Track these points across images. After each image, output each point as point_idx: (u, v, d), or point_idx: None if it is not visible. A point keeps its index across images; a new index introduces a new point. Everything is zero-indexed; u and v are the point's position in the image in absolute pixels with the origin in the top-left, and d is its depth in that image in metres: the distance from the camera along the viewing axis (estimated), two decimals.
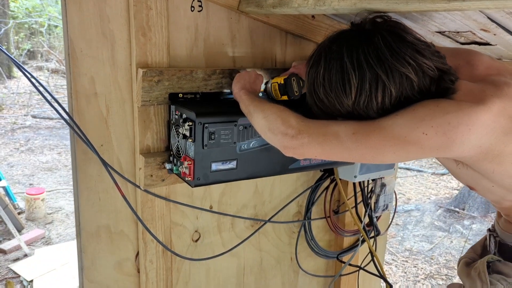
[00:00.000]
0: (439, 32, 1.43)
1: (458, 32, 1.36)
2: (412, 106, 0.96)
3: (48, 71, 11.49)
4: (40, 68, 11.77)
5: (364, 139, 0.96)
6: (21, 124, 8.53)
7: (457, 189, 5.92)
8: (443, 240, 4.65)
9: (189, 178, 1.25)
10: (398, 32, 0.98)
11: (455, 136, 0.92)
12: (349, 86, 0.97)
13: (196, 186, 1.25)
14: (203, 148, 1.22)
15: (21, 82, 10.55)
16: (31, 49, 12.75)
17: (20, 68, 1.19)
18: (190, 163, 1.23)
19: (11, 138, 7.72)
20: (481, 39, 1.38)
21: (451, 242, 4.63)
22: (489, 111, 0.93)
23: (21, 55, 11.99)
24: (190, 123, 1.21)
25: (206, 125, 1.21)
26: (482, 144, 0.94)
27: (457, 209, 5.30)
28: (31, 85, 1.25)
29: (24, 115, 9.05)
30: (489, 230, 1.25)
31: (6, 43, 11.44)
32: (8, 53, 1.25)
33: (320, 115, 1.08)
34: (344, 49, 0.98)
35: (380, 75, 0.94)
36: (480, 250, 1.27)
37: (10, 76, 11.07)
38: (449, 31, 1.39)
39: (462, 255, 1.31)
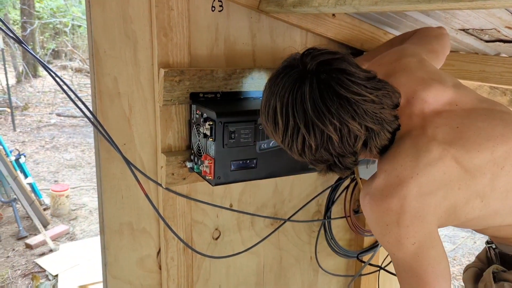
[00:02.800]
0: (463, 30, 1.40)
1: (482, 29, 1.34)
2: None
3: (72, 70, 11.72)
4: (64, 67, 12.01)
5: None
6: (46, 122, 8.73)
7: None
8: (466, 241, 4.57)
9: (210, 177, 1.26)
10: (332, 85, 0.91)
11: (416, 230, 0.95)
12: (277, 127, 0.98)
13: (216, 184, 1.27)
14: (223, 147, 1.23)
15: (46, 81, 10.79)
16: (56, 49, 13.02)
17: (47, 69, 1.22)
18: (210, 162, 1.25)
19: (36, 136, 7.91)
20: (506, 36, 1.35)
21: (474, 243, 4.55)
22: (417, 187, 0.95)
23: (46, 54, 12.26)
24: (211, 123, 1.22)
25: (227, 124, 1.22)
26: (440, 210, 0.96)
27: None
28: (55, 84, 1.28)
29: (49, 114, 9.26)
30: (487, 242, 1.25)
31: (32, 43, 11.71)
32: (34, 54, 1.28)
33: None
34: (279, 89, 0.96)
35: (300, 128, 0.94)
36: (485, 259, 1.26)
37: (35, 75, 11.33)
38: (473, 29, 1.37)
39: (469, 263, 1.31)
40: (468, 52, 1.64)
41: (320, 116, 0.91)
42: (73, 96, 1.28)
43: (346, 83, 0.92)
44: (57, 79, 1.22)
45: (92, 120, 1.29)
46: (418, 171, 0.95)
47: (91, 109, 1.30)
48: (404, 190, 0.94)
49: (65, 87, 1.27)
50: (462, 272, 3.98)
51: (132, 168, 1.33)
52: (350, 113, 0.91)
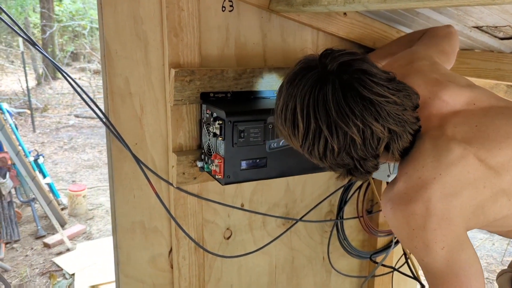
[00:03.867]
0: (476, 27, 1.38)
1: (496, 27, 1.32)
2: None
3: (90, 72, 11.90)
4: (83, 69, 12.21)
5: None
6: (64, 123, 8.87)
7: None
8: (485, 243, 4.48)
9: (220, 176, 1.27)
10: (355, 87, 0.90)
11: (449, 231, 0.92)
12: (297, 130, 0.95)
13: (226, 184, 1.27)
14: (233, 146, 1.23)
15: (65, 83, 10.96)
16: (74, 51, 13.24)
17: (58, 69, 1.24)
18: (220, 161, 1.25)
19: (55, 136, 8.05)
20: None
21: (493, 244, 4.46)
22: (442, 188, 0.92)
23: (65, 57, 12.48)
24: (220, 122, 1.23)
25: (236, 123, 1.22)
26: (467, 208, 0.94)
27: None
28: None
29: (68, 115, 9.41)
30: None
31: (51, 46, 11.93)
32: (47, 55, 1.31)
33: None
34: (299, 91, 0.94)
35: (323, 130, 0.91)
36: None
37: (55, 77, 11.54)
38: (486, 26, 1.35)
39: (505, 267, 1.28)
40: (483, 50, 1.61)
41: (343, 117, 0.89)
42: (86, 97, 1.30)
43: (369, 84, 0.90)
44: (68, 78, 1.24)
45: (103, 120, 1.30)
46: (440, 171, 0.93)
47: (103, 109, 1.32)
48: (427, 192, 0.92)
49: (75, 85, 1.28)
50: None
51: (143, 167, 1.34)
52: (374, 115, 0.90)
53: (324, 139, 0.92)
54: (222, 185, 1.29)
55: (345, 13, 1.52)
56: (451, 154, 0.94)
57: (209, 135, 1.32)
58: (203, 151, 1.39)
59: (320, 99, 0.91)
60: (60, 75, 11.48)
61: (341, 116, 0.89)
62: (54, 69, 11.40)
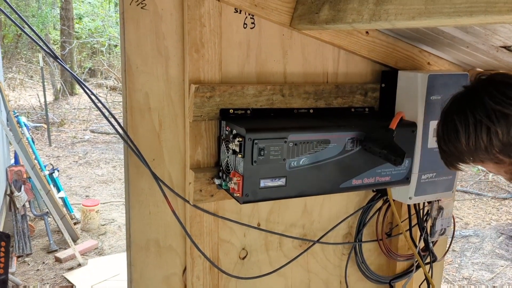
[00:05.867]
0: (504, 47, 1.35)
1: None
2: None
3: (107, 88, 12.08)
4: (100, 86, 12.40)
5: None
6: (80, 138, 8.97)
7: None
8: (506, 270, 4.34)
9: (238, 194, 1.24)
10: (503, 80, 1.11)
11: None
12: (458, 133, 1.12)
13: (244, 202, 1.24)
14: (252, 164, 1.21)
15: (82, 98, 11.14)
16: (92, 68, 13.49)
17: (79, 82, 1.24)
18: (239, 179, 1.22)
19: (71, 151, 8.13)
20: None
21: None
22: None
23: (83, 73, 12.71)
24: (240, 139, 1.20)
25: (256, 141, 1.19)
26: None
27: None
28: (90, 101, 1.29)
29: (83, 130, 9.52)
30: None
31: (70, 62, 12.18)
32: (68, 69, 1.31)
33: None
34: (455, 110, 1.15)
35: (483, 120, 1.07)
36: None
37: (72, 93, 11.74)
38: None
39: None
40: (508, 71, 1.58)
41: (501, 102, 1.05)
42: (105, 112, 1.30)
43: None
44: (90, 94, 1.24)
45: (122, 134, 1.29)
46: None
47: (121, 124, 1.30)
48: None
49: (96, 100, 1.28)
50: None
51: (161, 184, 1.32)
52: None
53: (486, 127, 1.07)
54: (240, 203, 1.26)
55: (367, 32, 1.50)
56: None
57: (228, 152, 1.30)
58: (221, 168, 1.36)
59: (475, 99, 1.10)
60: (77, 91, 11.68)
61: (499, 101, 1.06)
62: (71, 85, 11.60)
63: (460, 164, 1.21)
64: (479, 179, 6.95)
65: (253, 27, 1.40)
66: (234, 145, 1.23)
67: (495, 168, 1.19)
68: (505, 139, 1.06)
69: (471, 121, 1.08)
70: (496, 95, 1.07)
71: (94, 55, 14.02)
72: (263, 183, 1.25)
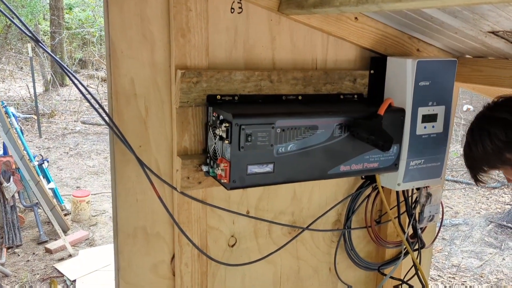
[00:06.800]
0: (492, 32, 1.34)
1: None
2: None
3: (98, 79, 11.97)
4: (91, 77, 12.29)
5: None
6: (71, 129, 8.90)
7: (510, 204, 5.60)
8: (494, 257, 4.39)
9: (225, 181, 1.23)
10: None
11: None
12: (468, 146, 1.36)
13: (231, 188, 1.23)
14: (239, 150, 1.20)
15: (72, 89, 11.04)
16: (83, 59, 13.34)
17: (63, 68, 1.21)
18: (226, 165, 1.21)
19: (61, 142, 8.07)
20: None
21: (503, 259, 4.37)
22: None
23: (73, 64, 12.57)
24: (227, 125, 1.19)
25: (243, 126, 1.18)
26: None
27: (509, 225, 5.00)
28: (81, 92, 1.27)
29: (74, 121, 9.45)
30: None
31: (60, 53, 12.04)
32: (53, 55, 1.28)
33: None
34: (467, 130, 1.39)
35: (484, 126, 1.32)
36: None
37: (63, 84, 11.62)
38: (503, 31, 1.31)
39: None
40: (497, 57, 1.57)
41: (498, 110, 1.30)
42: (90, 98, 1.27)
43: None
44: (70, 75, 1.21)
45: (107, 121, 1.27)
46: None
47: (107, 110, 1.28)
48: None
49: (78, 84, 1.26)
50: None
51: (147, 170, 1.30)
52: None
53: (486, 131, 1.29)
54: (228, 190, 1.25)
55: (356, 18, 1.49)
56: None
57: (215, 139, 1.29)
58: (208, 155, 1.35)
59: (479, 116, 1.37)
60: (68, 82, 11.57)
61: (492, 108, 1.34)
62: (62, 76, 11.48)
63: (482, 174, 1.38)
64: None
65: (240, 12, 1.38)
66: (221, 131, 1.22)
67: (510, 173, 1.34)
68: (504, 138, 1.23)
69: (475, 132, 1.32)
70: (495, 108, 1.31)
71: (85, 46, 13.87)
72: (251, 169, 1.24)
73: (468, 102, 11.80)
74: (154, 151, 1.37)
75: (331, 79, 1.51)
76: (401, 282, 1.83)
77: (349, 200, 1.73)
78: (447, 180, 6.52)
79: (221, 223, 1.53)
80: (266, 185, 1.29)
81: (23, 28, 1.22)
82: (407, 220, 1.74)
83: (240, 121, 1.18)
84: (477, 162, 1.35)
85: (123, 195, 1.36)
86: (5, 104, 4.94)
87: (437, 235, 1.96)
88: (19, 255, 4.12)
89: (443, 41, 1.60)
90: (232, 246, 1.58)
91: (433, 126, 1.51)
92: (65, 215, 4.90)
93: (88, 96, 1.26)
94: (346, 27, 1.50)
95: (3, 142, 4.61)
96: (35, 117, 8.53)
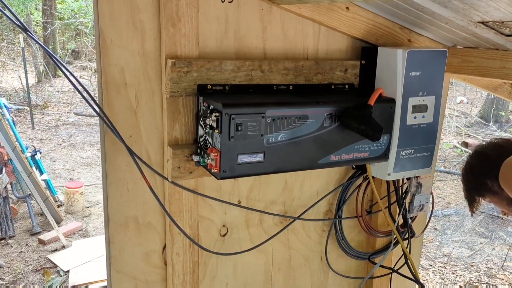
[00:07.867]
0: (482, 23, 1.35)
1: (503, 22, 1.28)
2: None
3: (91, 70, 11.88)
4: (84, 68, 12.19)
5: None
6: (64, 121, 8.85)
7: None
8: (485, 247, 4.44)
9: (215, 170, 1.23)
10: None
11: None
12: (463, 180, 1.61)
13: (222, 178, 1.24)
14: (229, 139, 1.20)
15: (65, 81, 10.93)
16: (76, 49, 13.22)
17: (53, 58, 1.20)
18: (216, 154, 1.21)
19: (54, 134, 8.02)
20: None
21: (493, 249, 4.42)
22: None
23: (66, 55, 12.46)
24: (217, 114, 1.19)
25: (233, 116, 1.18)
26: None
27: (500, 215, 5.05)
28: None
29: (67, 113, 9.39)
30: None
31: (52, 43, 11.92)
32: (46, 47, 1.27)
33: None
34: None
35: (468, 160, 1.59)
36: None
37: (55, 75, 11.52)
38: (493, 21, 1.31)
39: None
40: (487, 48, 1.58)
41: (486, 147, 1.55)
42: (80, 88, 1.27)
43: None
44: (59, 64, 1.21)
45: (97, 110, 1.27)
46: None
47: (97, 100, 1.28)
48: None
49: (72, 78, 1.25)
50: (479, 279, 3.85)
51: (137, 160, 1.30)
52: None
53: (468, 164, 1.58)
54: (218, 179, 1.25)
55: (347, 7, 1.48)
56: None
57: (205, 128, 1.29)
58: (199, 144, 1.35)
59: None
60: (61, 73, 11.47)
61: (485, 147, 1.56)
62: (54, 67, 11.38)
63: (474, 204, 1.57)
64: (462, 159, 7.04)
65: (231, 1, 1.38)
66: (211, 121, 1.22)
67: (498, 202, 1.48)
68: (478, 167, 1.49)
69: (466, 165, 1.57)
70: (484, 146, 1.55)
71: (78, 37, 13.74)
72: (241, 158, 1.24)
73: (462, 94, 11.84)
74: (144, 141, 1.37)
75: (322, 69, 1.51)
76: (391, 271, 1.85)
77: (340, 190, 1.74)
78: (439, 171, 6.57)
79: (213, 213, 1.54)
80: (256, 174, 1.30)
81: (13, 18, 1.21)
82: (398, 210, 1.76)
83: (230, 110, 1.18)
84: (469, 192, 1.56)
85: (114, 185, 1.37)
86: None
87: (427, 224, 1.98)
88: (12, 246, 4.12)
89: (434, 31, 1.60)
90: (224, 235, 1.59)
91: (423, 116, 1.52)
92: (59, 206, 4.89)
93: (78, 86, 1.25)
94: (337, 17, 1.50)
95: None
96: (28, 108, 8.46)
